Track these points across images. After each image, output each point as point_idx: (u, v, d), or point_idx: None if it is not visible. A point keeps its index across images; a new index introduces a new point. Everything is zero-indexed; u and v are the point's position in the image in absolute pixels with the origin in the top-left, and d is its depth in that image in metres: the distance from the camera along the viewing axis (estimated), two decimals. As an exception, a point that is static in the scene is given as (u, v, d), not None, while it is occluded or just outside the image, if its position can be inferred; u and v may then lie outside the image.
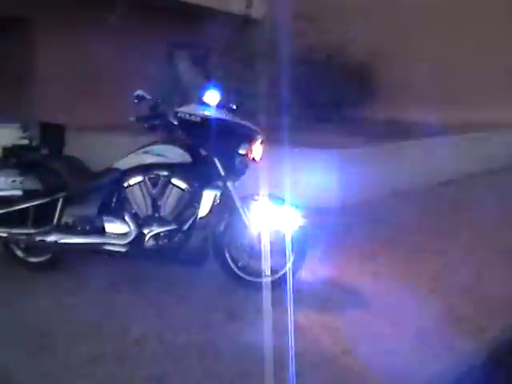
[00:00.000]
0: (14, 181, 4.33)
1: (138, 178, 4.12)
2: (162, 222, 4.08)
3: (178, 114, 3.97)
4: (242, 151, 3.96)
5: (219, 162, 3.99)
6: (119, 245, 4.12)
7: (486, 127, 9.99)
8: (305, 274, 4.37)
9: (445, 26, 11.29)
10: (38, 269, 4.54)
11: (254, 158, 4.21)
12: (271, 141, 4.50)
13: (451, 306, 3.90)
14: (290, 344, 3.12)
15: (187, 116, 3.95)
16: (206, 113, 3.98)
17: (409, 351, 3.23)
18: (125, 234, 4.14)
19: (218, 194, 3.97)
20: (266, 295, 3.94)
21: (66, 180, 4.30)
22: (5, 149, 4.42)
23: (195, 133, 4.02)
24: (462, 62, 11.22)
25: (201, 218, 3.98)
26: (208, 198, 3.97)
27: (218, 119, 3.97)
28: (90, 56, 7.40)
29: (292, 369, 2.93)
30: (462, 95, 10.96)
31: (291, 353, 3.03)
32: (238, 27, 8.11)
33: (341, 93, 11.19)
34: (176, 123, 3.98)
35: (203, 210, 3.96)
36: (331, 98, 11.21)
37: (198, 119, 3.94)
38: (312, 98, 11.31)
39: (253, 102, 9.55)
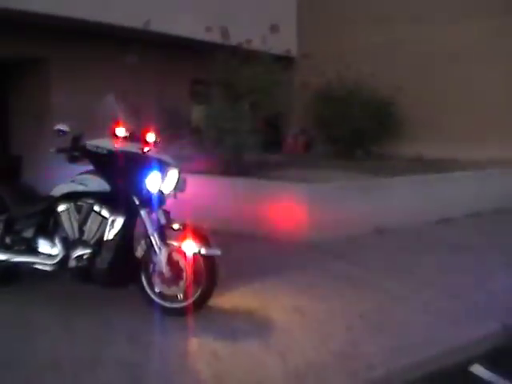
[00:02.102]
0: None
1: (66, 205, 4.46)
2: (84, 245, 4.39)
3: (87, 147, 4.30)
4: (147, 182, 4.22)
5: (132, 192, 4.27)
6: (47, 264, 4.46)
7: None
8: (224, 303, 4.56)
9: (469, 64, 11.20)
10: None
11: (178, 189, 4.48)
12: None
13: (351, 343, 3.93)
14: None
15: (94, 148, 4.28)
16: (112, 146, 4.28)
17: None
18: (54, 255, 4.47)
19: (122, 220, 4.22)
20: (172, 320, 4.18)
21: (8, 204, 4.70)
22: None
23: (104, 165, 4.33)
24: (486, 100, 11.06)
25: (107, 240, 4.24)
26: (117, 224, 4.25)
27: (124, 152, 4.26)
28: (102, 93, 7.91)
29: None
30: (485, 133, 10.78)
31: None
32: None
33: (363, 129, 11.28)
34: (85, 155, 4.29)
35: (111, 234, 4.24)
36: (353, 135, 11.35)
37: (105, 152, 4.25)
38: (335, 135, 11.54)
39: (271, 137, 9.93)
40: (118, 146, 4.28)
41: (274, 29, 8.81)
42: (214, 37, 8.84)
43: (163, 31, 9.95)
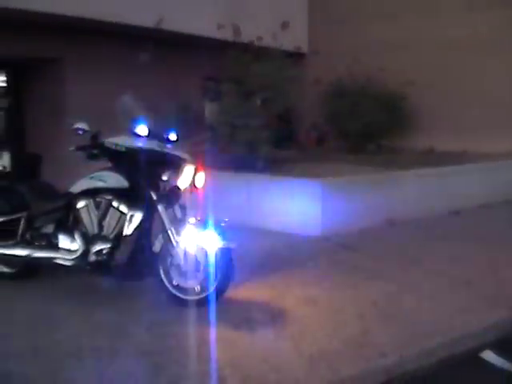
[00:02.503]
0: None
1: (86, 201, 4.60)
2: (104, 240, 4.53)
3: (105, 145, 4.44)
4: (164, 178, 4.35)
5: (150, 187, 4.40)
6: (67, 259, 4.60)
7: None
8: (240, 294, 4.70)
9: (480, 57, 11.23)
10: (12, 279, 5.07)
11: (195, 185, 4.61)
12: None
13: (367, 330, 4.04)
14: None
15: (113, 146, 4.42)
16: (132, 143, 4.41)
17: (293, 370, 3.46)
18: (74, 250, 4.62)
19: (141, 216, 4.36)
20: (189, 311, 4.31)
21: (28, 202, 4.86)
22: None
23: (123, 161, 4.46)
24: (497, 93, 11.09)
25: (126, 235, 4.38)
26: (135, 219, 4.39)
27: (142, 149, 4.39)
28: (116, 91, 8.08)
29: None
30: (495, 126, 10.83)
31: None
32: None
33: (374, 123, 11.36)
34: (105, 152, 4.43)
35: (130, 229, 4.38)
36: (365, 129, 11.43)
37: (123, 149, 4.39)
38: (346, 129, 11.63)
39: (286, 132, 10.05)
40: (135, 143, 4.39)
41: (284, 25, 8.91)
42: (226, 34, 8.94)
43: (175, 30, 10.04)
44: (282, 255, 6.03)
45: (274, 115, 8.66)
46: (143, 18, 9.62)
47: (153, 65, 9.62)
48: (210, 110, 10.62)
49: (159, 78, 9.82)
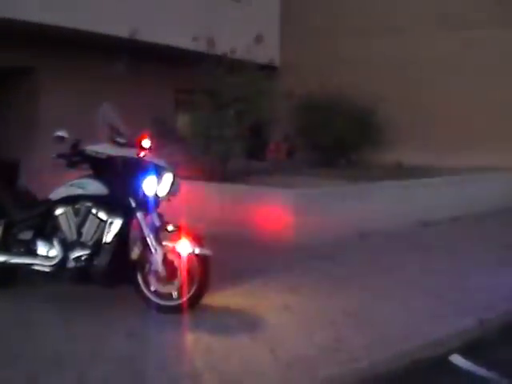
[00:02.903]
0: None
1: (65, 208, 4.65)
2: (82, 246, 4.58)
3: (87, 152, 4.52)
4: (144, 185, 4.45)
5: (129, 194, 4.48)
6: (46, 265, 4.64)
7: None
8: (216, 301, 4.81)
9: (447, 75, 11.60)
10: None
11: (172, 193, 4.71)
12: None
13: (340, 336, 4.18)
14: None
15: (94, 154, 4.50)
16: (111, 151, 4.50)
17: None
18: (53, 257, 4.66)
19: (120, 222, 4.44)
20: (167, 317, 4.41)
21: (7, 208, 4.88)
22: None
23: (103, 169, 4.55)
24: (462, 110, 11.47)
25: (105, 242, 4.45)
26: (115, 226, 4.46)
27: (123, 157, 4.48)
28: (89, 101, 8.14)
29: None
30: (461, 141, 11.18)
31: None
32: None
33: (344, 138, 11.59)
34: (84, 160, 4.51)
35: (109, 236, 4.45)
36: (335, 143, 11.65)
37: (104, 156, 4.48)
38: (317, 143, 11.85)
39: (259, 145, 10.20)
40: (116, 151, 4.48)
41: (258, 39, 9.08)
42: (200, 46, 9.08)
43: (150, 40, 10.15)
44: (256, 264, 6.14)
45: (246, 127, 8.79)
46: (118, 29, 9.70)
47: (127, 76, 9.72)
48: (182, 121, 10.71)
49: (133, 89, 9.92)
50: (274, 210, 7.05)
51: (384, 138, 11.87)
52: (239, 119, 8.50)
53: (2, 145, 10.45)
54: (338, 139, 11.57)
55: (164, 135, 8.50)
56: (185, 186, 5.09)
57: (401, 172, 10.00)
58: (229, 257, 6.04)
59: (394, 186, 8.52)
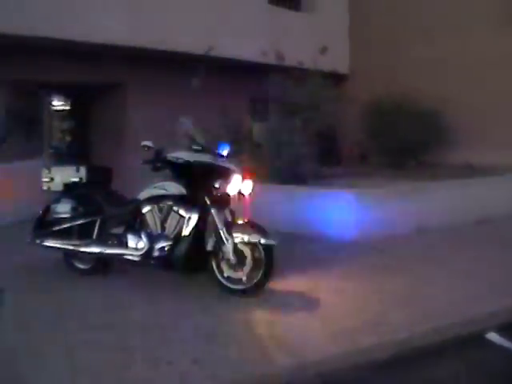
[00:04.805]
0: (71, 207, 5.92)
1: (150, 206, 5.51)
2: (165, 238, 5.41)
3: (168, 158, 5.35)
4: (216, 185, 5.22)
5: (205, 194, 5.27)
6: (135, 255, 5.50)
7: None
8: (282, 286, 5.51)
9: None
10: (86, 273, 6.01)
11: (241, 193, 5.47)
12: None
13: (382, 314, 4.77)
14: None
15: (174, 159, 5.32)
16: (188, 157, 5.31)
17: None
18: (141, 248, 5.51)
19: (195, 217, 5.23)
20: (238, 299, 5.17)
21: (103, 207, 5.80)
22: (65, 184, 6.03)
23: (181, 172, 5.37)
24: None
25: (184, 235, 5.26)
26: (192, 221, 5.26)
27: (199, 162, 5.28)
28: (170, 113, 9.07)
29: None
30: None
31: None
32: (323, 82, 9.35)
33: (412, 140, 11.93)
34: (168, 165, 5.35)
35: (187, 229, 5.26)
36: (404, 145, 12.03)
37: (183, 161, 5.29)
38: (386, 145, 12.27)
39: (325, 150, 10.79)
40: (193, 157, 5.29)
41: (323, 50, 9.69)
42: (269, 59, 9.82)
43: (222, 56, 11.01)
44: (318, 256, 6.78)
45: (313, 133, 9.42)
46: (195, 46, 10.63)
47: (204, 88, 10.57)
48: (257, 129, 11.46)
49: (210, 101, 10.76)
50: (337, 209, 7.63)
51: (453, 138, 12.06)
52: (306, 126, 9.13)
53: (97, 153, 11.68)
54: (405, 141, 11.87)
55: (240, 142, 9.32)
56: (259, 188, 5.81)
57: (468, 172, 10.22)
58: (294, 250, 6.76)
59: (454, 184, 8.88)
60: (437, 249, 7.20)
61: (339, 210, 7.63)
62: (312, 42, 11.25)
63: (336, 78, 12.63)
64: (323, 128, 9.74)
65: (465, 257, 6.72)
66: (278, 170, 8.82)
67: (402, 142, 11.91)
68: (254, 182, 5.58)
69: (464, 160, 11.30)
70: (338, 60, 13.82)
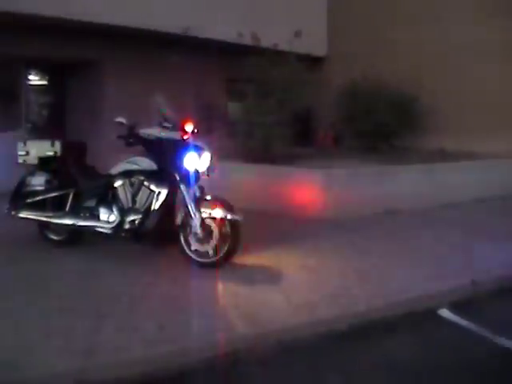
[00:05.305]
0: (46, 180, 6.08)
1: (122, 181, 5.69)
2: (136, 212, 5.60)
3: (140, 134, 5.52)
4: (185, 162, 5.40)
5: (174, 170, 5.46)
6: (106, 228, 5.69)
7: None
8: (247, 260, 5.75)
9: (488, 63, 11.91)
10: (60, 245, 6.20)
11: (211, 169, 5.67)
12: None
13: (343, 288, 5.03)
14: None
15: (146, 136, 5.50)
16: (160, 134, 5.48)
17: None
18: (112, 221, 5.70)
19: (165, 192, 5.43)
20: (204, 271, 5.40)
21: (76, 180, 5.97)
22: (40, 158, 6.17)
23: (153, 148, 5.54)
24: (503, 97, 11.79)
25: (153, 209, 5.46)
26: (161, 196, 5.46)
27: (169, 139, 5.46)
28: (147, 89, 9.20)
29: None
30: (500, 127, 11.51)
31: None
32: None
33: (386, 124, 12.15)
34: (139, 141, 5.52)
35: (157, 204, 5.46)
36: (378, 129, 12.24)
37: (154, 138, 5.47)
38: (360, 128, 12.49)
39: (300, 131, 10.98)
40: (163, 133, 5.46)
41: (297, 34, 9.84)
42: (246, 40, 9.95)
43: (200, 36, 11.11)
44: (285, 233, 7.03)
45: (288, 114, 9.60)
46: (172, 26, 10.72)
47: (180, 67, 10.72)
48: (232, 108, 11.63)
49: (186, 80, 10.89)
50: (306, 188, 7.88)
51: (426, 124, 12.23)
52: (281, 107, 9.31)
53: (73, 128, 11.77)
54: (379, 126, 12.08)
55: (212, 120, 9.48)
56: (228, 166, 5.96)
57: (438, 157, 10.49)
58: (262, 227, 6.97)
59: (421, 168, 9.15)
60: (403, 229, 7.48)
61: (308, 189, 7.85)
62: (289, 24, 11.35)
63: (313, 61, 12.86)
64: (298, 110, 9.91)
65: (428, 237, 7.00)
66: (250, 150, 9.00)
67: (376, 125, 12.08)
68: (225, 160, 5.76)
69: (438, 146, 11.58)
70: (315, 43, 14.01)
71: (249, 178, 8.40)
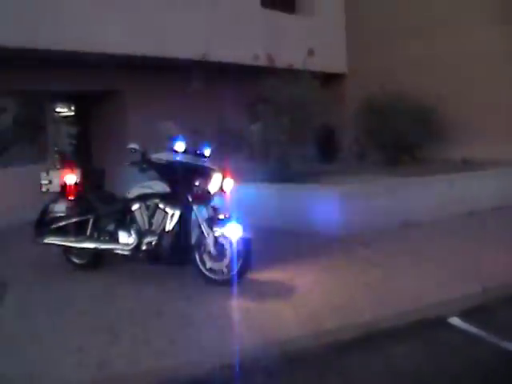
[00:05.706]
0: (68, 207, 6.39)
1: (139, 204, 5.95)
2: (152, 234, 5.85)
3: (152, 160, 5.78)
4: (197, 184, 5.63)
5: (187, 192, 5.70)
6: (126, 250, 5.95)
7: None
8: (261, 276, 5.93)
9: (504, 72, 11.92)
10: (82, 268, 6.50)
11: (222, 189, 5.89)
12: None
13: (352, 300, 5.17)
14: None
15: (158, 160, 5.75)
16: (171, 158, 5.73)
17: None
18: (130, 243, 5.96)
19: (178, 213, 5.66)
20: (218, 288, 5.59)
21: (95, 206, 6.26)
22: (62, 186, 6.48)
23: (165, 172, 5.79)
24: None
25: (168, 230, 5.69)
26: (175, 217, 5.69)
27: (179, 162, 5.70)
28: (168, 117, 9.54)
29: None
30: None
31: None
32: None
33: (406, 136, 12.21)
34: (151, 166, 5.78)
35: (171, 224, 5.69)
36: (399, 142, 12.31)
37: (165, 162, 5.72)
38: (382, 142, 12.57)
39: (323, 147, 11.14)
40: (174, 157, 5.71)
41: (310, 53, 10.04)
42: (262, 62, 10.21)
43: (217, 61, 11.42)
44: (301, 250, 7.16)
45: (305, 132, 9.75)
46: (191, 52, 11.07)
47: (201, 92, 11.03)
48: (252, 131, 11.84)
49: (207, 104, 11.20)
50: (323, 205, 7.99)
51: (450, 135, 12.26)
52: (295, 125, 9.49)
53: (99, 156, 12.20)
54: (400, 138, 12.13)
55: (233, 143, 9.72)
56: (247, 188, 6.08)
57: (459, 167, 10.48)
58: (278, 244, 7.17)
59: (439, 179, 9.17)
60: (416, 242, 7.49)
61: (325, 206, 7.97)
62: (307, 44, 11.52)
63: (333, 78, 13.05)
64: (316, 127, 10.04)
65: (441, 249, 7.01)
66: (268, 169, 9.19)
67: (397, 138, 12.15)
68: (235, 180, 5.97)
69: (460, 156, 11.56)
70: (335, 60, 14.23)
71: (264, 196, 8.58)
